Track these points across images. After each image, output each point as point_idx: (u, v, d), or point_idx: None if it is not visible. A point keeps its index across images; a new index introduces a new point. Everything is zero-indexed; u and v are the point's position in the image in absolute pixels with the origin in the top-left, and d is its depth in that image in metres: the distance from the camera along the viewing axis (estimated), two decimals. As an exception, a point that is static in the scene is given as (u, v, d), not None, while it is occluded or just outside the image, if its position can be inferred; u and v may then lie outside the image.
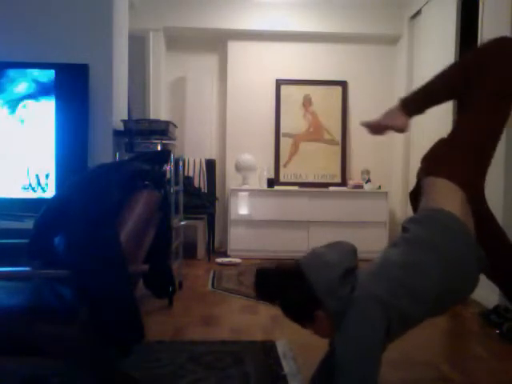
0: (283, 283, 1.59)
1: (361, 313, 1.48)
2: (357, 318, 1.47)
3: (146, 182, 1.89)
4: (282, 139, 5.27)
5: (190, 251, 4.66)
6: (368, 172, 5.12)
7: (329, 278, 1.51)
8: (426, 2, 4.44)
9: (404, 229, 1.68)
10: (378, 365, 1.47)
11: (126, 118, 3.50)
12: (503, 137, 2.99)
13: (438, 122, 4.13)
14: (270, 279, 1.62)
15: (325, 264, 1.55)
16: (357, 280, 1.54)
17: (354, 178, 5.25)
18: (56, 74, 2.90)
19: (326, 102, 5.28)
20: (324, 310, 1.52)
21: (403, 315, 1.51)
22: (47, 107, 2.92)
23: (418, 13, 4.69)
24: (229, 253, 4.85)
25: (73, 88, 2.93)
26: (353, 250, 1.63)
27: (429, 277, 1.51)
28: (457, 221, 1.59)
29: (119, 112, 3.32)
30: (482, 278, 1.65)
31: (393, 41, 5.25)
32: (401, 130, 1.91)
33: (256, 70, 5.29)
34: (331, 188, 5.08)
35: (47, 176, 2.91)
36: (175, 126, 3.55)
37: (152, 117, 4.72)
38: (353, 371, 1.45)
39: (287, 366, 2.11)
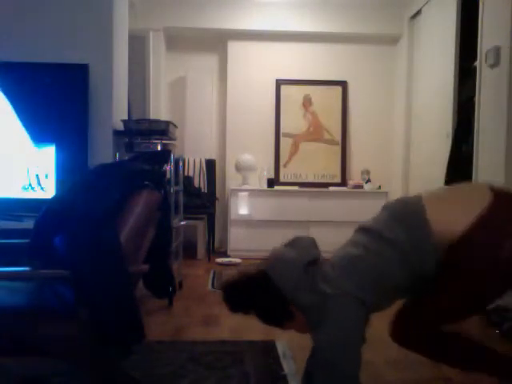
0: (252, 293, 1.61)
1: (338, 313, 1.48)
2: (336, 318, 1.48)
3: (146, 182, 1.89)
4: (282, 139, 5.27)
5: (190, 251, 4.66)
6: (368, 172, 5.12)
7: (292, 276, 1.55)
8: (426, 2, 4.44)
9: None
10: (360, 362, 1.48)
11: (125, 118, 3.50)
12: (503, 137, 3.00)
13: (438, 121, 4.13)
14: (238, 292, 1.64)
15: (285, 263, 1.58)
16: (322, 272, 1.55)
17: (354, 178, 5.25)
18: (56, 73, 2.90)
19: (326, 102, 5.28)
20: (296, 306, 1.56)
21: (376, 305, 1.55)
22: (47, 107, 2.91)
23: (418, 13, 4.69)
24: (229, 253, 4.85)
25: (73, 88, 2.93)
26: (311, 243, 1.67)
27: (389, 268, 1.53)
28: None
29: (119, 112, 3.32)
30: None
31: (393, 41, 5.25)
32: None
33: (256, 70, 5.29)
34: (331, 188, 5.09)
35: (47, 176, 2.91)
36: (175, 126, 3.55)
37: (152, 117, 4.72)
38: (336, 371, 1.47)
39: (287, 366, 2.11)
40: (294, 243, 1.67)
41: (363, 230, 1.64)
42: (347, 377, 1.47)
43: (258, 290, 1.60)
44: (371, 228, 1.61)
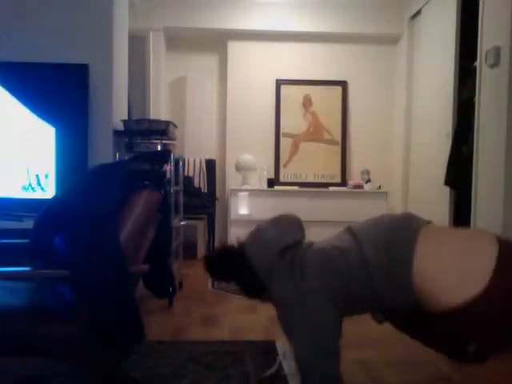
0: (230, 266, 1.65)
1: (312, 314, 1.47)
2: (308, 319, 1.47)
3: (146, 182, 1.89)
4: (282, 139, 5.27)
5: (189, 251, 4.66)
6: (368, 172, 5.12)
7: (266, 258, 1.55)
8: (426, 2, 4.44)
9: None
10: (339, 360, 1.48)
11: (125, 118, 3.50)
12: (503, 137, 3.00)
13: (438, 121, 4.13)
14: (217, 264, 1.69)
15: (262, 244, 1.58)
16: (300, 260, 1.53)
17: (354, 178, 5.25)
18: (56, 74, 2.90)
19: (326, 102, 5.28)
20: (269, 291, 1.58)
21: (347, 311, 1.53)
22: (47, 107, 2.91)
23: (418, 13, 4.69)
24: (229, 253, 4.85)
25: (73, 88, 2.93)
26: (295, 223, 1.65)
27: (356, 284, 1.48)
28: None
29: (119, 112, 3.32)
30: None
31: (393, 41, 5.25)
32: None
33: (256, 70, 5.29)
34: (331, 188, 5.08)
35: (47, 176, 2.91)
36: (175, 126, 3.55)
37: (152, 117, 4.72)
38: (316, 372, 1.46)
39: (287, 366, 2.11)
40: (278, 221, 1.65)
41: (351, 233, 1.58)
42: (328, 379, 1.46)
43: (236, 265, 1.63)
44: (357, 236, 1.53)
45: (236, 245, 1.70)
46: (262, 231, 1.63)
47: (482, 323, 1.32)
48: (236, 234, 4.86)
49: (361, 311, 1.58)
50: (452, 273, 1.36)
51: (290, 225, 1.64)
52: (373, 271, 1.44)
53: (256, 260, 1.57)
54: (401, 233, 1.47)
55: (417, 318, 1.45)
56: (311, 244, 1.63)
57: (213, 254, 1.76)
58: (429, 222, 1.53)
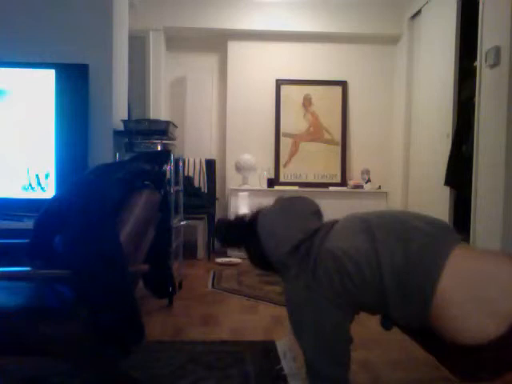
0: (240, 239, 1.65)
1: (322, 316, 1.44)
2: (318, 321, 1.44)
3: (146, 182, 1.89)
4: (282, 139, 5.27)
5: (190, 251, 4.66)
6: (368, 172, 5.12)
7: (279, 256, 1.52)
8: (426, 2, 4.44)
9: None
10: (349, 364, 1.45)
11: (125, 118, 3.50)
12: (503, 137, 3.00)
13: (438, 121, 4.13)
14: (228, 233, 1.69)
15: (274, 239, 1.53)
16: (316, 251, 1.44)
17: (354, 178, 5.25)
18: (56, 73, 2.90)
19: (326, 102, 5.28)
20: (281, 273, 1.56)
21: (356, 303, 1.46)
22: (47, 107, 2.91)
23: (418, 13, 4.69)
24: (229, 253, 4.85)
25: (73, 88, 2.93)
26: (307, 209, 1.58)
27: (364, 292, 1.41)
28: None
29: (119, 112, 3.32)
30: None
31: (393, 41, 5.25)
32: None
33: (256, 70, 5.29)
34: (331, 188, 5.08)
35: (47, 176, 2.91)
36: (175, 126, 3.55)
37: (152, 117, 4.72)
38: (324, 376, 1.44)
39: (287, 366, 2.10)
40: (289, 212, 1.57)
41: (370, 239, 1.40)
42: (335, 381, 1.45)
43: (248, 240, 1.61)
44: (378, 252, 1.36)
45: (248, 218, 1.67)
46: (274, 222, 1.55)
47: (502, 358, 1.26)
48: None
49: (370, 313, 1.54)
50: (476, 311, 1.26)
51: (301, 214, 1.56)
52: (389, 295, 1.36)
53: (268, 253, 1.54)
54: (427, 263, 1.32)
55: (431, 335, 1.37)
56: (328, 230, 1.49)
57: (225, 224, 1.73)
58: (458, 239, 1.41)
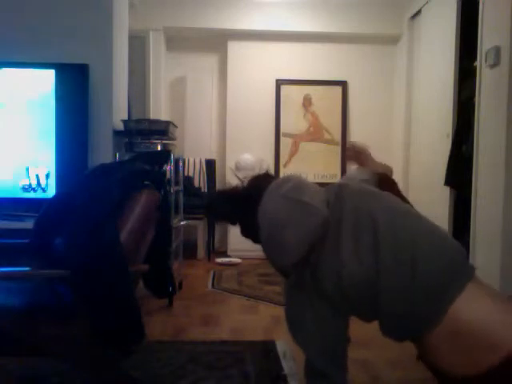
0: (233, 213, 1.50)
1: (320, 318, 1.41)
2: (317, 323, 1.41)
3: (146, 182, 1.89)
4: (282, 139, 5.27)
5: (189, 251, 4.66)
6: (368, 172, 5.11)
7: (284, 265, 1.42)
8: (426, 2, 4.44)
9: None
10: (346, 366, 1.43)
11: (125, 118, 3.50)
12: (503, 137, 2.99)
13: (438, 121, 4.13)
14: (220, 207, 1.52)
15: (280, 245, 1.34)
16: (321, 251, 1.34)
17: (354, 178, 5.24)
18: (56, 73, 2.90)
19: (326, 102, 5.28)
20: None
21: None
22: (47, 107, 2.92)
23: (418, 13, 4.69)
24: (229, 253, 4.85)
25: (73, 88, 2.93)
26: (322, 203, 1.34)
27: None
28: None
29: (119, 112, 3.32)
30: (484, 275, 1.64)
31: (393, 41, 5.24)
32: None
33: (256, 70, 5.29)
34: (331, 188, 5.08)
35: (47, 176, 2.91)
36: (175, 126, 3.55)
37: (152, 117, 4.72)
38: (324, 377, 1.42)
39: (287, 366, 2.11)
40: (303, 208, 1.33)
41: (375, 243, 1.29)
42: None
43: (243, 216, 1.48)
44: (379, 266, 1.27)
45: (246, 195, 1.50)
46: (280, 229, 1.34)
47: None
48: (236, 235, 4.86)
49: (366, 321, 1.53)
50: (476, 345, 1.20)
51: (315, 211, 1.33)
52: (385, 316, 1.34)
53: (266, 249, 1.45)
54: (439, 295, 1.24)
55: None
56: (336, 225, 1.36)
57: (219, 196, 1.58)
58: (473, 270, 1.33)
